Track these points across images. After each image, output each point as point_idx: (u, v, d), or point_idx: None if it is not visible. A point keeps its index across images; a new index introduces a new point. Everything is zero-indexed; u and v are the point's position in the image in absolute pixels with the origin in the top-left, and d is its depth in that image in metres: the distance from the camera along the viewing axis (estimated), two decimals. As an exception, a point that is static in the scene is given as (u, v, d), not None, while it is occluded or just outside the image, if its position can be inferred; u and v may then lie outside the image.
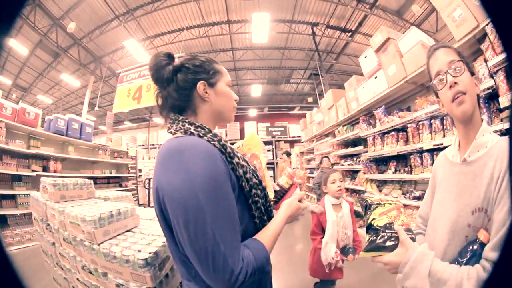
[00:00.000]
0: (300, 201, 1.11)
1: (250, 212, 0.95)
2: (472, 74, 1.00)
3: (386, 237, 0.99)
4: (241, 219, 0.88)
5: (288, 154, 7.75)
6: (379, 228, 1.03)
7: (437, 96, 1.06)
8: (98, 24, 10.53)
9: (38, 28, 9.42)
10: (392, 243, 0.98)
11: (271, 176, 10.05)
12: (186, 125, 0.93)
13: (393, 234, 0.99)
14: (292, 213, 1.06)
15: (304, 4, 10.31)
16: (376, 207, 1.10)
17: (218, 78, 1.04)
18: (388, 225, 1.02)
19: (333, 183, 2.52)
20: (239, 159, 0.93)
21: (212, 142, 0.89)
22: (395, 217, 1.05)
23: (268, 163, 3.65)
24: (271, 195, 1.15)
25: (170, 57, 1.01)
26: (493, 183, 0.87)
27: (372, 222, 1.06)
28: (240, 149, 1.35)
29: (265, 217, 1.00)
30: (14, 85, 13.61)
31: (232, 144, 1.14)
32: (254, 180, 0.96)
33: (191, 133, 0.91)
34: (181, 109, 1.01)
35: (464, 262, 0.86)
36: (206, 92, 1.00)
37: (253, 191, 0.95)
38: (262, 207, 0.98)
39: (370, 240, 1.03)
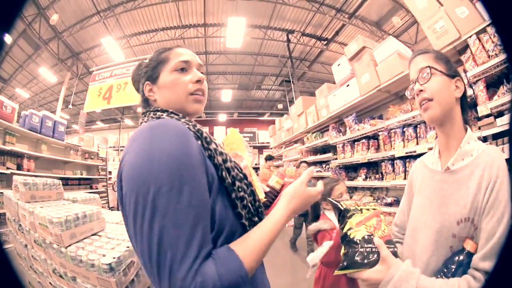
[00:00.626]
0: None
1: (235, 211, 0.71)
2: (453, 76, 0.93)
3: (365, 253, 0.85)
4: (224, 219, 0.68)
5: (270, 158, 6.56)
6: (357, 241, 0.88)
7: None
8: (79, 18, 9.81)
9: (25, 16, 8.60)
10: (372, 258, 0.84)
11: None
12: (158, 113, 0.78)
13: (373, 249, 0.86)
14: (297, 207, 0.77)
15: (282, 11, 10.12)
16: (353, 214, 0.95)
17: (160, 69, 0.85)
18: (367, 237, 0.88)
19: (340, 197, 1.85)
20: (217, 145, 0.75)
21: (186, 126, 0.71)
22: (375, 228, 0.92)
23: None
24: (261, 196, 0.91)
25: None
26: (480, 193, 0.81)
27: (349, 233, 0.91)
28: None
29: (256, 219, 0.76)
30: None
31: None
32: (236, 171, 0.76)
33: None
34: None
35: (450, 273, 0.80)
36: (153, 92, 0.87)
37: (237, 183, 0.73)
38: (250, 205, 0.75)
39: (346, 254, 0.88)
